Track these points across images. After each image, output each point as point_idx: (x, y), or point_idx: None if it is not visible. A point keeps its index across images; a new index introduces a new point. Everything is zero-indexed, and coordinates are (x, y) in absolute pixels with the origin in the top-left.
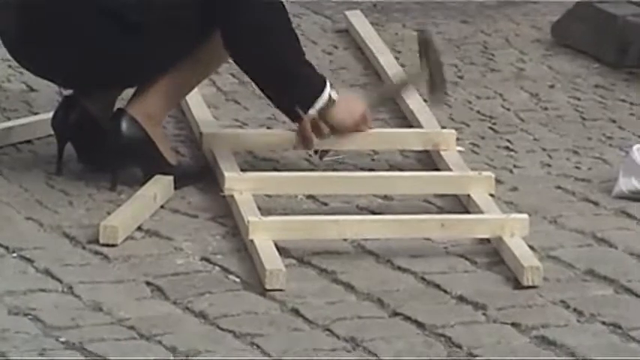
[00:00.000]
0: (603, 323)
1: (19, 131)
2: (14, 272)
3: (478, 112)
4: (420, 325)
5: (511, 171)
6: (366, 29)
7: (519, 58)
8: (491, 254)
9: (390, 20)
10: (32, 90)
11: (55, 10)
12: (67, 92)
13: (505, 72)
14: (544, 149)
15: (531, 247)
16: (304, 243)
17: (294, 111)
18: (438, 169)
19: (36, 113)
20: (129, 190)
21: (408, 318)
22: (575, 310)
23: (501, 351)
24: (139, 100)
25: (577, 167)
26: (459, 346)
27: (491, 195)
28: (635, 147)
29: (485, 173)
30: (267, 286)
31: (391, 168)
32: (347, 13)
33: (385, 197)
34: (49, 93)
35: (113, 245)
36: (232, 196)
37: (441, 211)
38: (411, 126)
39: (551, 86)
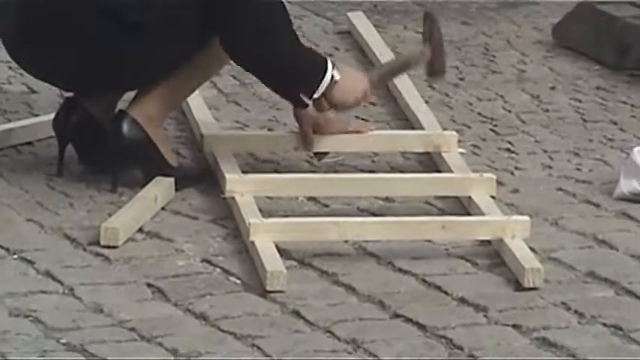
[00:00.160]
0: (604, 325)
1: (19, 133)
2: (15, 274)
3: (479, 113)
4: (421, 326)
5: (512, 173)
6: (368, 31)
7: (520, 59)
8: (492, 256)
9: (391, 22)
10: (33, 92)
11: (55, 11)
12: (68, 94)
13: (506, 74)
14: (545, 151)
15: (532, 249)
16: (305, 245)
17: (299, 99)
18: (439, 171)
19: (36, 115)
20: (130, 191)
21: (409, 320)
22: (576, 311)
23: (502, 353)
24: (141, 102)
25: (578, 169)
26: (460, 348)
27: (493, 197)
28: (636, 149)
29: (486, 175)
30: (268, 288)
31: (392, 170)
32: (349, 14)
33: (386, 199)
34: (49, 95)
35: (114, 247)
36: (233, 198)
37: (441, 212)
38: (412, 128)
39: (552, 88)
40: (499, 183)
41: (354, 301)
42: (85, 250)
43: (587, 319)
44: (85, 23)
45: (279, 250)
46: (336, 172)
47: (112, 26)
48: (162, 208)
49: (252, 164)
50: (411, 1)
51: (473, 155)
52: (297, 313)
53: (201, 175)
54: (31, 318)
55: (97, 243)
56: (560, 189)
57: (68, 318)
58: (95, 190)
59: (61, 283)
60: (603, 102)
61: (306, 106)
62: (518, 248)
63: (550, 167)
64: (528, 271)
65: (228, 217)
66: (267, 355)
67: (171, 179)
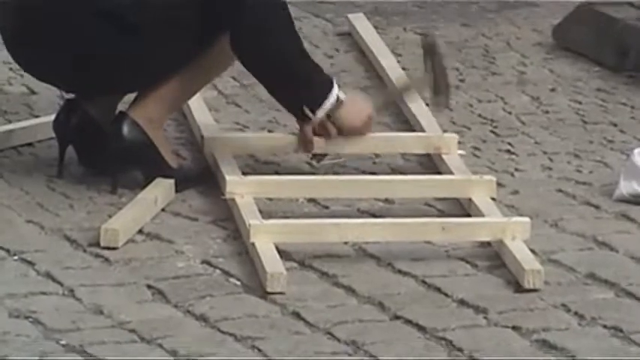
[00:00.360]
0: (604, 327)
1: (19, 134)
2: (15, 275)
3: (479, 115)
4: (420, 328)
5: (512, 174)
6: (368, 32)
7: (520, 61)
8: (492, 257)
9: (391, 24)
10: (33, 93)
11: (53, 11)
12: (69, 96)
13: (506, 75)
14: (545, 152)
15: (532, 251)
16: (305, 246)
17: (302, 112)
18: (439, 173)
19: (37, 116)
20: (130, 193)
21: (408, 321)
22: (576, 313)
23: (502, 354)
24: (141, 104)
25: (578, 171)
26: (460, 350)
27: (493, 199)
28: (636, 150)
29: (486, 177)
30: (268, 289)
31: (392, 171)
32: (350, 16)
33: (386, 200)
34: (49, 96)
35: (114, 248)
36: (233, 200)
37: (441, 214)
38: (412, 130)
39: (552, 89)
40: (499, 184)
41: (354, 302)
42: (85, 251)
43: (587, 321)
44: (83, 24)
45: (279, 251)
46: (336, 173)
47: (110, 27)
48: (163, 210)
49: (253, 166)
50: (411, 3)
51: (473, 157)
52: (297, 315)
53: (201, 177)
54: (30, 319)
55: (97, 244)
56: (560, 190)
57: (68, 319)
58: (95, 191)
59: (61, 285)
60: (603, 103)
61: (309, 120)
62: (519, 250)
63: (550, 169)
64: (528, 272)
65: (228, 219)
66: (267, 357)
67: (171, 181)
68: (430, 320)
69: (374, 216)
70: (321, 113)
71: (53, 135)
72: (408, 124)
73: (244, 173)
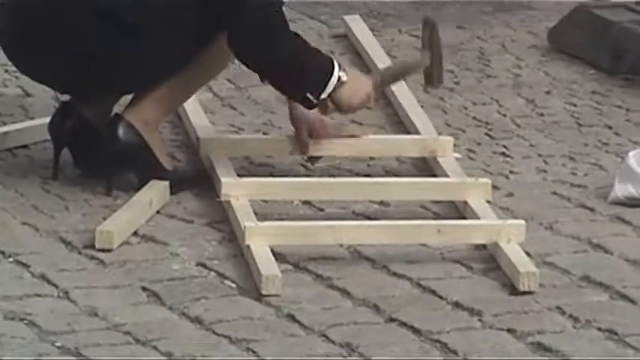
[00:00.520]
0: (599, 329)
1: (15, 136)
2: (10, 277)
3: (474, 118)
4: (415, 331)
5: (507, 177)
6: (364, 34)
7: (515, 64)
8: (487, 260)
9: (386, 26)
10: (28, 95)
11: (50, 11)
12: (64, 98)
13: (501, 78)
14: (540, 155)
15: (527, 253)
16: (300, 248)
17: (306, 99)
18: (434, 175)
19: (32, 118)
20: (125, 195)
21: (403, 324)
22: (570, 316)
23: (497, 357)
24: (136, 107)
25: (573, 173)
26: (455, 352)
27: (488, 201)
28: (631, 153)
29: (482, 179)
30: (263, 292)
31: (387, 174)
32: (346, 17)
33: (381, 203)
34: (45, 98)
35: (109, 250)
36: (229, 202)
37: (437, 217)
38: (407, 132)
39: (547, 92)
40: (494, 187)
41: (348, 305)
42: (80, 253)
43: (581, 324)
44: (81, 24)
45: (274, 253)
46: (331, 176)
47: (108, 27)
48: (157, 212)
49: (248, 168)
50: (406, 5)
51: (468, 159)
52: (292, 317)
53: (195, 179)
54: (26, 321)
55: (92, 246)
56: (555, 193)
57: (63, 321)
58: (90, 193)
59: (56, 287)
60: (598, 106)
61: (314, 105)
62: (514, 252)
63: (545, 171)
64: (524, 275)
65: (223, 221)
66: (262, 359)
67: (166, 183)
68: (425, 323)
69: (369, 218)
70: (323, 96)
71: (48, 137)
72: (403, 126)
73: (240, 175)
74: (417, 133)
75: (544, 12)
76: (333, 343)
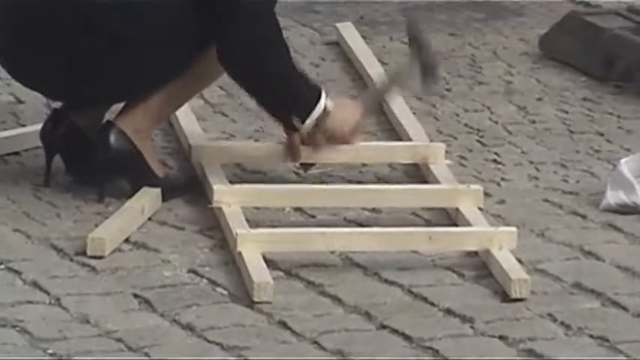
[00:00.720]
0: (590, 336)
1: (6, 143)
2: (2, 284)
3: (466, 125)
4: (407, 338)
5: (499, 184)
6: (356, 41)
7: (507, 71)
8: (479, 267)
9: (378, 33)
10: (20, 102)
11: (44, 19)
12: (56, 105)
13: (493, 85)
14: (532, 162)
15: (519, 260)
16: (292, 255)
17: (290, 122)
18: (426, 182)
19: (23, 125)
20: (116, 202)
21: (395, 331)
22: (562, 323)
23: None
24: (128, 114)
25: (565, 180)
26: (446, 359)
27: (480, 208)
28: (622, 160)
29: (473, 186)
30: (255, 299)
31: (379, 181)
32: (338, 25)
33: (373, 210)
34: (36, 105)
35: (101, 257)
36: (220, 209)
37: (428, 224)
38: (399, 139)
39: (539, 99)
40: (486, 194)
41: (340, 312)
42: (71, 260)
43: (573, 331)
44: (73, 35)
45: (265, 260)
46: (323, 183)
47: (100, 39)
48: (149, 219)
49: (240, 175)
50: (397, 13)
51: (459, 166)
52: (283, 324)
53: (187, 186)
54: (17, 328)
55: (84, 253)
56: (546, 200)
57: (55, 328)
58: (82, 200)
59: (48, 294)
60: (590, 113)
61: (297, 130)
62: (505, 259)
63: (536, 178)
64: (515, 282)
65: (214, 228)
66: None
67: (158, 190)
68: (416, 330)
69: (361, 225)
70: (309, 123)
71: (40, 144)
72: (394, 133)
73: (231, 182)
74: (409, 139)
75: (535, 19)
76: (325, 350)
